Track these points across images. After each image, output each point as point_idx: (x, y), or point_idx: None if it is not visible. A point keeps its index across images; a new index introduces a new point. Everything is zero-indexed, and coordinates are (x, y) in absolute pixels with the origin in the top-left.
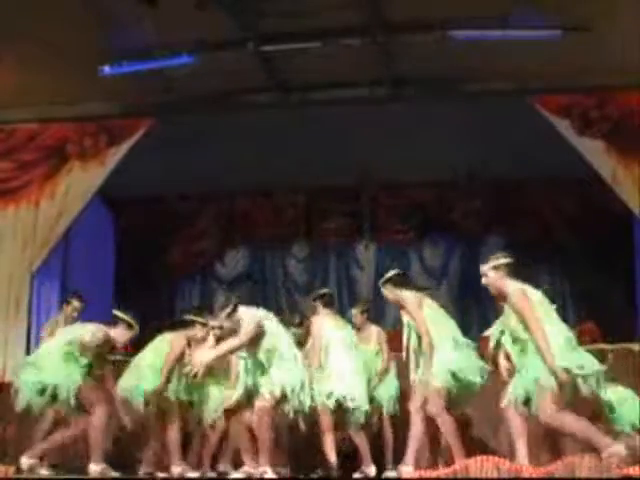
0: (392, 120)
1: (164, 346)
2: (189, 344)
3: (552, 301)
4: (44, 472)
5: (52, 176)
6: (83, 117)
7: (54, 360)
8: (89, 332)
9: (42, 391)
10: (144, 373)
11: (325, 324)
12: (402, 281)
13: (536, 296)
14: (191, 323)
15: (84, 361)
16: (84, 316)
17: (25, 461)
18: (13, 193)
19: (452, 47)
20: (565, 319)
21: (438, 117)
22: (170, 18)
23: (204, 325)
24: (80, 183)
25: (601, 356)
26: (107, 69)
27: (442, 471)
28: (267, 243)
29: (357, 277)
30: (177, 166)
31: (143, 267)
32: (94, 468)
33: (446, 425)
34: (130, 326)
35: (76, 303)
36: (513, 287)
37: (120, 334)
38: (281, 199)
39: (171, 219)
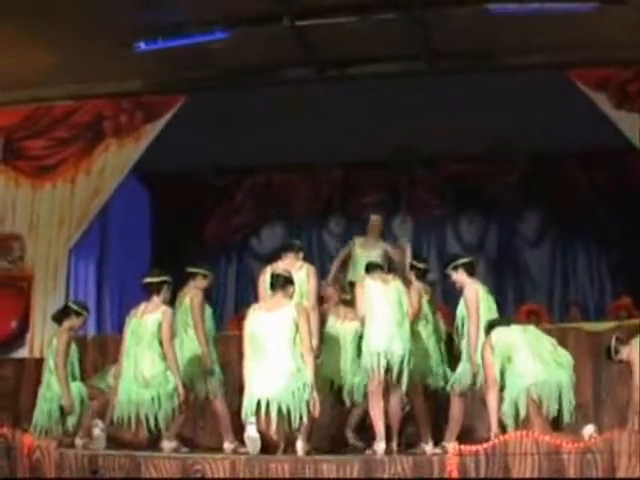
0: (429, 94)
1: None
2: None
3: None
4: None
5: (88, 153)
6: (119, 94)
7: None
8: None
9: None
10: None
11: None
12: (471, 270)
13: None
14: (192, 275)
15: None
16: (124, 294)
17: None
18: (49, 170)
19: (488, 20)
20: (602, 293)
21: (475, 91)
22: None
23: (205, 276)
24: (116, 160)
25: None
26: (142, 45)
27: (481, 446)
28: (303, 218)
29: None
30: (212, 142)
31: (179, 243)
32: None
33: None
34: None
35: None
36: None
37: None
38: (317, 174)
39: (207, 195)
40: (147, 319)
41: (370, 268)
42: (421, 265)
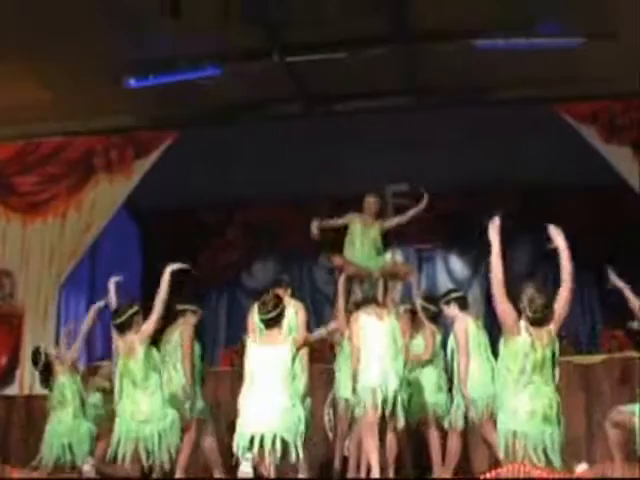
0: (418, 129)
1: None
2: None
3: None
4: None
5: (79, 189)
6: (109, 130)
7: None
8: None
9: None
10: None
11: None
12: (463, 304)
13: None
14: (182, 312)
15: None
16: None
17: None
18: (40, 206)
19: (476, 56)
20: (593, 325)
21: (463, 125)
22: (195, 30)
23: (194, 312)
24: (106, 195)
25: (630, 364)
26: (133, 82)
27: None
28: (295, 254)
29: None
30: (203, 177)
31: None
32: None
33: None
34: None
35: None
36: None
37: None
38: (308, 209)
39: (198, 231)
40: (135, 355)
41: (364, 302)
42: (432, 307)
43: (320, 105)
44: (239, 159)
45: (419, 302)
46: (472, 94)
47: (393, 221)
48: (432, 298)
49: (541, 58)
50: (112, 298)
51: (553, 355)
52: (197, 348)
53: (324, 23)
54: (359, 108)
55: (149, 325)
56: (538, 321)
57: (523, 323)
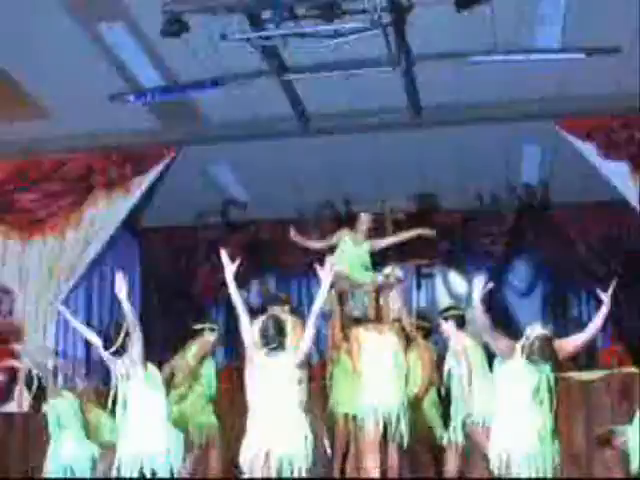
0: (416, 147)
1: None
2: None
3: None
4: None
5: (78, 206)
6: (109, 147)
7: None
8: None
9: None
10: None
11: None
12: (461, 322)
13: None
14: (199, 331)
15: None
16: None
17: None
18: (39, 223)
19: (475, 71)
20: (592, 342)
21: (462, 143)
22: (195, 47)
23: (212, 330)
24: (106, 213)
25: (629, 380)
26: (133, 99)
27: None
28: (293, 271)
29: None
30: (202, 194)
31: (168, 296)
32: None
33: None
34: None
35: None
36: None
37: None
38: (306, 226)
39: (196, 248)
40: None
41: (363, 317)
42: (427, 325)
43: (317, 123)
44: (237, 177)
45: (412, 319)
46: (469, 111)
47: (383, 242)
48: (425, 315)
49: (540, 73)
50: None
51: (549, 380)
52: (211, 365)
53: (321, 42)
54: (356, 125)
55: (137, 348)
56: (535, 361)
57: (519, 348)
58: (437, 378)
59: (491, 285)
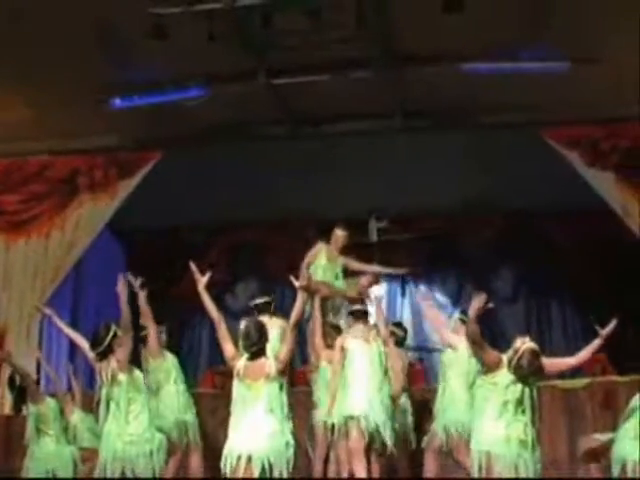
0: (403, 152)
1: None
2: None
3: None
4: None
5: (62, 208)
6: (93, 149)
7: None
8: None
9: None
10: None
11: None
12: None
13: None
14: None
15: None
16: None
17: None
18: (24, 225)
19: (462, 79)
20: (577, 349)
21: (449, 149)
22: (181, 51)
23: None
24: (90, 215)
25: (612, 388)
26: (118, 102)
27: None
28: (278, 275)
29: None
30: (187, 198)
31: (153, 299)
32: None
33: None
34: None
35: None
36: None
37: None
38: (292, 231)
39: (181, 251)
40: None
41: (355, 317)
42: (400, 332)
43: (305, 127)
44: (222, 180)
45: (389, 327)
46: (456, 118)
47: (356, 265)
48: (399, 323)
49: (525, 83)
50: None
51: (532, 390)
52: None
53: (310, 45)
54: (344, 130)
55: (125, 351)
56: (520, 375)
57: (505, 360)
58: (407, 384)
59: (491, 305)
